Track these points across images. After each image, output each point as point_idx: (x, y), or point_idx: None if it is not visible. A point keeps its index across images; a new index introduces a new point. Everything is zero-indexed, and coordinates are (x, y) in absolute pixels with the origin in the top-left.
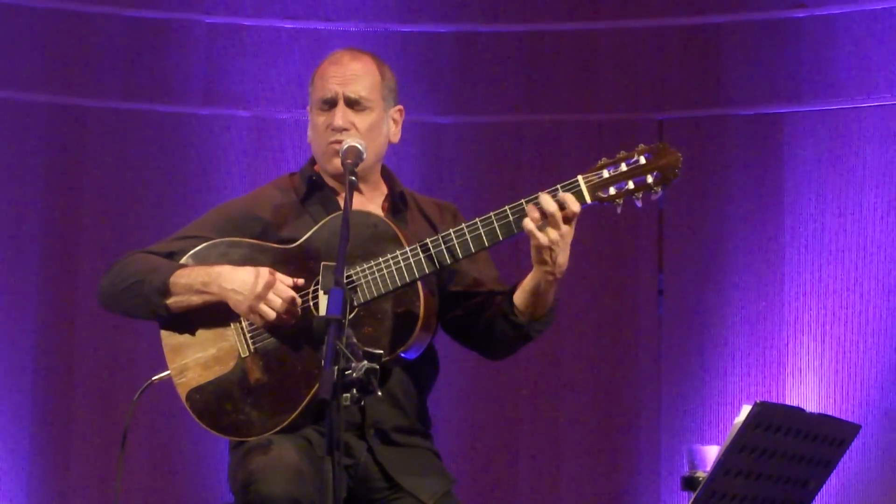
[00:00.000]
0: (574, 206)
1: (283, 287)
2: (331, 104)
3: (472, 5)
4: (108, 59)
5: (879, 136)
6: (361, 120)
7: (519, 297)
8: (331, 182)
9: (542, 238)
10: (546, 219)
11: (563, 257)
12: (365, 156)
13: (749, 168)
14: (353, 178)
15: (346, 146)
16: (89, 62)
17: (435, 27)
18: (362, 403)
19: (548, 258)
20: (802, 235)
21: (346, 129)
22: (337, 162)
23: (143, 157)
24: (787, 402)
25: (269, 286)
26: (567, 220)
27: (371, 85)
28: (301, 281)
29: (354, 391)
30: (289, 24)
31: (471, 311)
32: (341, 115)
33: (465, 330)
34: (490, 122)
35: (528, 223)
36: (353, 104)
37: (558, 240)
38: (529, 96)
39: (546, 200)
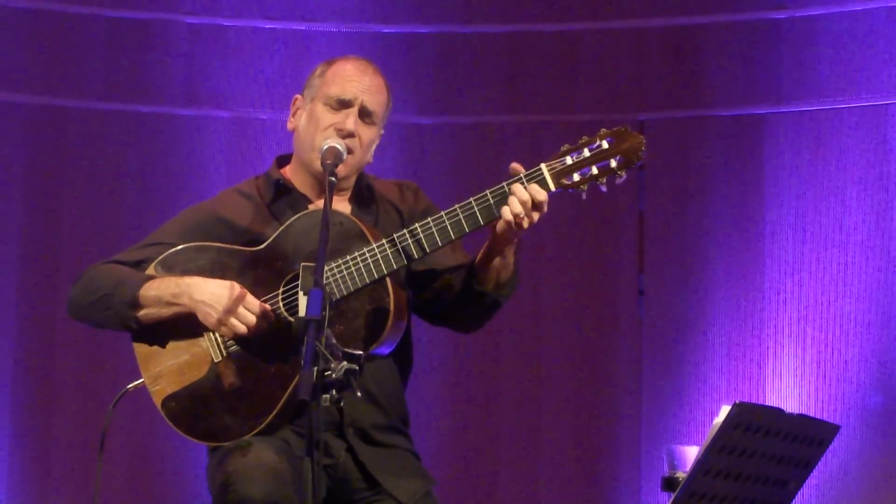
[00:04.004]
0: (539, 195)
1: (254, 301)
2: (345, 105)
3: (452, 6)
4: (88, 59)
5: (860, 137)
6: (365, 132)
7: (481, 266)
8: (300, 187)
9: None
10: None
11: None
12: (345, 157)
13: (729, 169)
14: (333, 178)
15: (325, 146)
16: (69, 62)
17: (415, 28)
18: (341, 403)
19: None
20: (782, 236)
21: (352, 136)
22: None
23: (123, 157)
24: (767, 403)
25: (240, 300)
26: (536, 208)
27: (383, 103)
28: (268, 306)
29: (333, 392)
30: (269, 25)
31: (438, 291)
32: (354, 121)
33: (435, 310)
34: (471, 122)
35: (507, 212)
36: (365, 115)
37: (523, 222)
38: (510, 97)
39: (520, 191)
